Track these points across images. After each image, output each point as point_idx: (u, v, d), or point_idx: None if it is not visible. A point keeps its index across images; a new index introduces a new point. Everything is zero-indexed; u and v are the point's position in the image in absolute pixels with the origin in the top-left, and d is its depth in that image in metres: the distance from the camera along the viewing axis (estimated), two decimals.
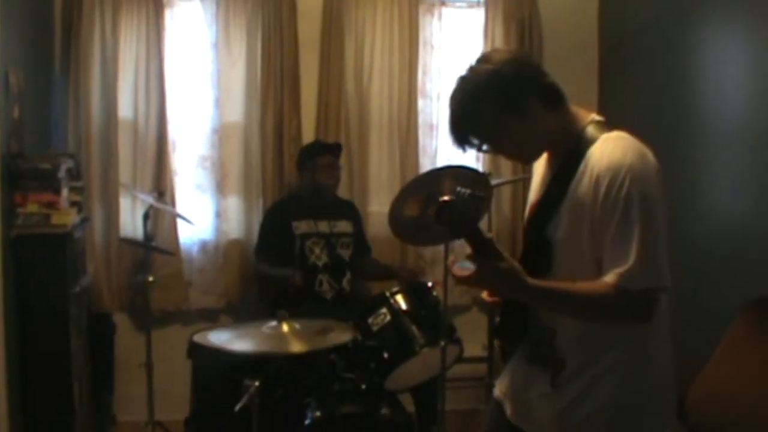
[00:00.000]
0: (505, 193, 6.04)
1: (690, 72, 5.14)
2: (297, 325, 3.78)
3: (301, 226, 5.34)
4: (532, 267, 2.38)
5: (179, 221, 5.52)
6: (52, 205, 4.38)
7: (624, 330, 2.36)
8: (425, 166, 5.93)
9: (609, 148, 2.32)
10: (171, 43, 5.63)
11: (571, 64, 5.89)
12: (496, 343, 4.25)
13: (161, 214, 5.48)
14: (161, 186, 5.45)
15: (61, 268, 4.42)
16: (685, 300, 4.59)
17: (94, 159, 5.43)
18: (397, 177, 5.86)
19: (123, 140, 5.52)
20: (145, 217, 4.83)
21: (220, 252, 5.75)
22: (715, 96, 4.90)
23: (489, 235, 2.30)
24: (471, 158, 6.04)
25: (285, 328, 3.73)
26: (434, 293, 4.57)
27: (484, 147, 2.49)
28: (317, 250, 5.32)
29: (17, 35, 4.67)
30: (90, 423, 4.95)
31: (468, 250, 2.29)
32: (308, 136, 5.79)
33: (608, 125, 2.43)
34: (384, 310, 4.40)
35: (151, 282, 4.88)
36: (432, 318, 4.38)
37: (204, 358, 4.39)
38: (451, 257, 2.36)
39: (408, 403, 4.71)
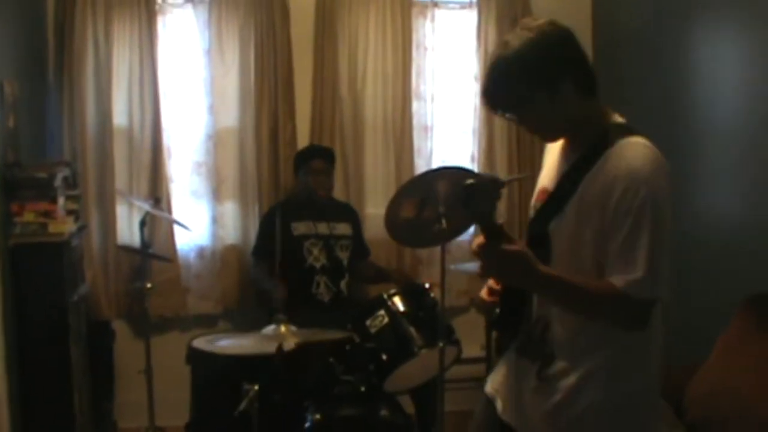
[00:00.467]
0: (502, 194, 6.03)
1: (683, 73, 5.15)
2: (294, 329, 3.81)
3: (300, 228, 5.35)
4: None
5: (176, 228, 5.53)
6: (48, 214, 4.38)
7: (616, 330, 2.37)
8: (420, 167, 5.93)
9: (629, 153, 2.30)
10: (164, 50, 5.64)
11: None
12: (494, 335, 4.24)
13: (158, 221, 5.49)
14: (157, 193, 5.45)
15: (59, 276, 4.42)
16: (682, 297, 4.61)
17: (89, 167, 5.44)
18: (393, 179, 5.87)
19: (118, 148, 5.53)
20: (142, 224, 4.83)
21: (217, 258, 5.76)
22: (708, 96, 4.91)
23: (501, 221, 2.30)
24: (466, 159, 6.08)
25: (283, 329, 3.77)
26: (432, 295, 4.57)
27: (508, 115, 2.47)
28: (315, 252, 5.32)
29: (10, 45, 4.68)
30: (91, 431, 4.95)
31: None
32: (303, 140, 5.80)
33: (630, 129, 2.41)
34: (382, 312, 4.41)
35: (148, 289, 4.87)
36: (430, 319, 4.38)
37: (203, 363, 4.39)
38: (477, 239, 2.35)
39: (407, 404, 4.71)
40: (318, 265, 5.30)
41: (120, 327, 5.61)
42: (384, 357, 4.28)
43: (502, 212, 5.98)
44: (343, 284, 5.37)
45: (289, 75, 5.77)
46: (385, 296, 4.48)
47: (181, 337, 5.45)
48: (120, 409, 5.51)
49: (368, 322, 4.40)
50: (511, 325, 2.59)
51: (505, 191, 6.03)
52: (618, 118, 2.47)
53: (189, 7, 5.69)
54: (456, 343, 4.47)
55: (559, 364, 2.43)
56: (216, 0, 5.64)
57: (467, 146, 6.16)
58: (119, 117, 5.53)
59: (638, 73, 5.64)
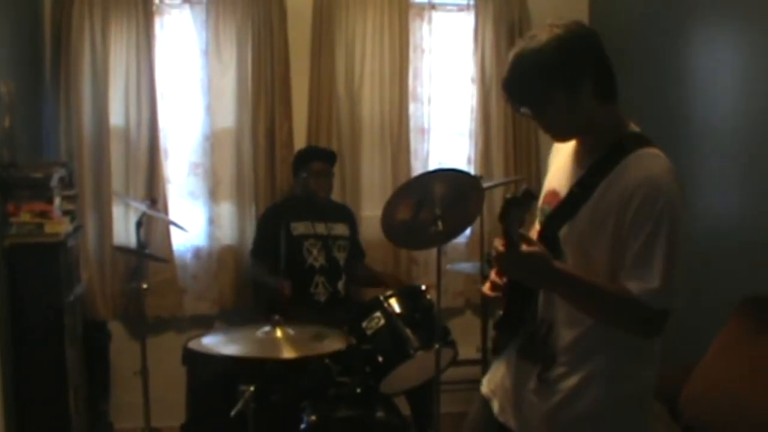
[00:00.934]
0: (497, 196, 6.04)
1: (680, 75, 5.17)
2: (291, 331, 3.79)
3: (299, 227, 5.36)
4: None
5: (172, 228, 5.53)
6: (44, 215, 4.38)
7: (618, 334, 2.37)
8: (417, 169, 5.93)
9: (647, 163, 2.31)
10: (161, 50, 5.64)
11: None
12: (490, 336, 4.26)
13: (154, 222, 5.49)
14: (154, 193, 5.46)
15: (55, 277, 4.42)
16: None
17: (86, 167, 5.44)
18: (389, 181, 5.88)
19: (115, 148, 5.53)
20: (138, 224, 4.82)
21: (214, 258, 5.75)
22: (705, 99, 4.92)
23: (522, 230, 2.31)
24: (463, 161, 6.08)
25: (279, 333, 3.75)
26: (428, 296, 4.58)
27: (523, 110, 2.45)
28: (315, 252, 5.33)
29: (7, 45, 4.68)
30: (86, 431, 4.95)
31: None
32: (300, 141, 5.80)
33: (646, 140, 2.41)
34: (378, 313, 4.41)
35: (145, 289, 4.87)
36: (426, 321, 4.39)
37: (199, 364, 4.39)
38: (498, 241, 2.35)
39: (403, 406, 4.72)
40: (317, 265, 5.30)
41: (116, 328, 5.61)
42: (380, 358, 4.28)
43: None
44: (340, 285, 5.38)
45: (286, 76, 5.77)
46: (382, 298, 4.48)
47: (177, 337, 5.44)
48: (116, 409, 5.51)
49: (364, 324, 4.40)
50: (515, 325, 2.59)
51: (498, 199, 6.04)
52: (635, 128, 2.47)
53: (186, 8, 5.69)
54: (452, 344, 4.47)
55: (561, 367, 2.43)
56: (213, 1, 5.63)
57: (464, 148, 6.17)
58: (116, 117, 5.53)
59: (635, 75, 5.64)
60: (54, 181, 4.49)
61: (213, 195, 5.74)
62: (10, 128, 4.50)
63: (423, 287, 4.68)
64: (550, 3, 6.03)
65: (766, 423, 3.52)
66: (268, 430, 3.96)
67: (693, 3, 5.06)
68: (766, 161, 4.40)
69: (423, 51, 6.08)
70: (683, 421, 3.90)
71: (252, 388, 3.70)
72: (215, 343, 3.82)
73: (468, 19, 6.12)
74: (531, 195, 2.29)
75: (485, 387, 2.79)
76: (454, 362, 4.57)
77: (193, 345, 4.32)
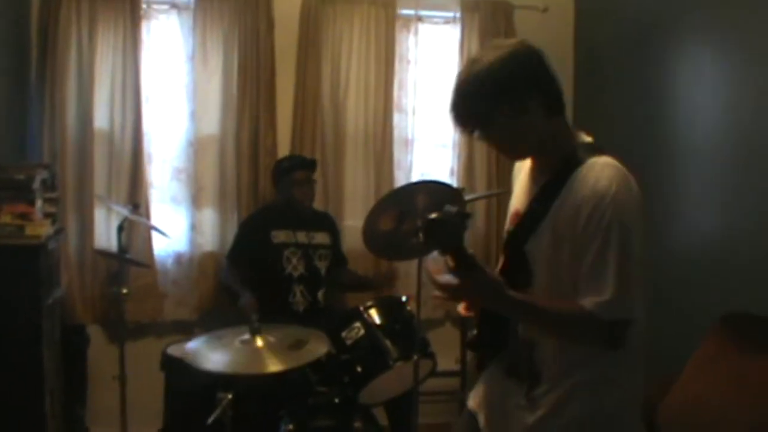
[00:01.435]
0: (479, 208, 6.07)
1: (664, 91, 5.20)
2: (271, 338, 3.78)
3: (280, 236, 5.34)
4: (514, 280, 2.41)
5: (154, 233, 5.52)
6: (26, 216, 4.36)
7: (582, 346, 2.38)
8: (400, 180, 5.95)
9: (595, 174, 2.31)
10: (147, 55, 5.63)
11: None
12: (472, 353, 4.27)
13: (136, 226, 5.47)
14: (136, 198, 5.44)
15: (35, 279, 4.39)
16: (657, 315, 4.63)
17: (69, 170, 5.42)
18: (372, 191, 5.89)
19: (98, 152, 5.51)
20: (120, 228, 4.81)
21: (195, 264, 5.74)
22: (688, 114, 4.95)
23: (471, 251, 2.31)
24: (445, 173, 6.10)
25: (259, 342, 3.73)
26: (408, 307, 4.59)
27: (475, 133, 2.46)
28: (294, 261, 5.31)
29: None
30: None
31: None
32: (284, 149, 5.80)
33: (598, 149, 2.42)
34: (358, 324, 4.41)
35: (125, 294, 4.85)
36: (406, 332, 4.39)
37: (177, 370, 4.38)
38: (435, 267, 2.36)
39: (382, 417, 4.72)
40: (296, 274, 5.29)
41: (95, 332, 5.58)
42: (359, 369, 4.28)
43: (480, 230, 6.02)
44: (319, 294, 5.36)
45: (271, 84, 5.78)
46: (362, 308, 4.48)
47: (157, 343, 5.43)
48: (92, 414, 5.48)
49: (344, 334, 4.40)
50: (489, 345, 2.60)
51: (480, 211, 6.06)
52: (585, 138, 2.48)
53: (174, 13, 5.70)
54: (431, 356, 4.47)
55: (546, 383, 2.44)
56: (201, 7, 5.64)
57: (447, 160, 6.19)
58: (100, 121, 5.52)
59: (619, 92, 5.69)
60: (36, 183, 4.48)
61: (195, 201, 5.73)
62: None
63: (404, 298, 4.68)
64: (536, 17, 6.12)
65: None
66: None
67: (676, 22, 5.09)
68: (747, 179, 4.43)
69: (408, 62, 6.11)
70: None
71: (230, 396, 3.70)
72: (195, 349, 3.79)
73: (454, 32, 6.14)
74: (461, 215, 2.29)
75: (471, 401, 2.80)
76: (433, 373, 4.57)
77: (172, 351, 4.32)
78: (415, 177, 6.04)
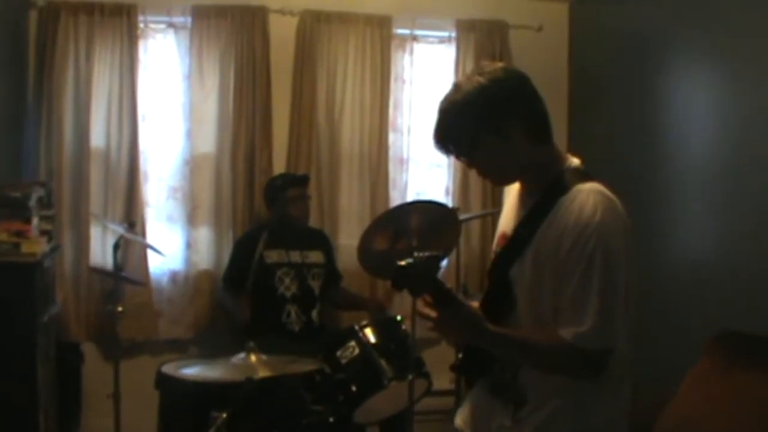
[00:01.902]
0: (474, 227, 6.08)
1: (658, 109, 5.23)
2: (265, 357, 3.79)
3: (273, 256, 5.34)
4: (496, 306, 2.41)
5: (149, 251, 5.52)
6: (22, 234, 4.36)
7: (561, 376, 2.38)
8: (395, 199, 5.96)
9: (580, 202, 2.28)
10: (144, 74, 5.66)
11: None
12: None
13: (132, 244, 5.48)
14: (132, 216, 5.45)
15: (30, 296, 4.39)
16: (651, 334, 4.65)
17: (65, 188, 5.43)
18: (368, 210, 5.90)
19: (95, 170, 5.53)
20: (116, 247, 4.82)
21: (190, 283, 5.75)
22: (680, 136, 4.99)
23: (448, 286, 2.31)
24: (441, 192, 6.11)
25: (253, 358, 3.75)
26: (403, 327, 4.59)
27: (461, 159, 2.45)
28: (287, 281, 5.31)
29: None
30: None
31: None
32: (279, 168, 5.82)
33: (585, 174, 2.40)
34: (353, 343, 4.41)
35: (120, 312, 4.85)
36: (401, 351, 4.39)
37: (172, 389, 4.37)
38: (421, 302, 2.36)
39: None
40: (288, 294, 5.29)
41: (89, 349, 5.58)
42: (354, 388, 4.28)
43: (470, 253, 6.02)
44: (314, 313, 5.36)
45: (267, 102, 5.80)
46: (357, 327, 4.48)
47: (151, 361, 5.41)
48: None
49: (339, 353, 4.40)
50: (472, 370, 2.60)
51: (475, 230, 6.08)
52: (574, 162, 2.46)
53: (170, 33, 5.72)
54: (426, 375, 4.47)
55: (530, 405, 2.44)
56: (197, 26, 5.67)
57: (442, 179, 6.21)
58: (97, 139, 5.53)
59: (614, 110, 5.71)
60: (32, 201, 4.48)
61: (191, 219, 5.74)
62: None
63: (399, 318, 4.69)
64: (531, 36, 6.14)
65: None
66: None
67: (669, 41, 5.13)
68: (740, 199, 4.46)
69: (404, 82, 6.13)
70: None
71: (224, 415, 3.69)
72: (189, 370, 3.80)
73: (449, 52, 6.18)
74: (433, 258, 2.26)
75: (458, 418, 2.79)
76: (428, 393, 4.57)
77: (166, 369, 4.31)
78: (410, 196, 6.06)
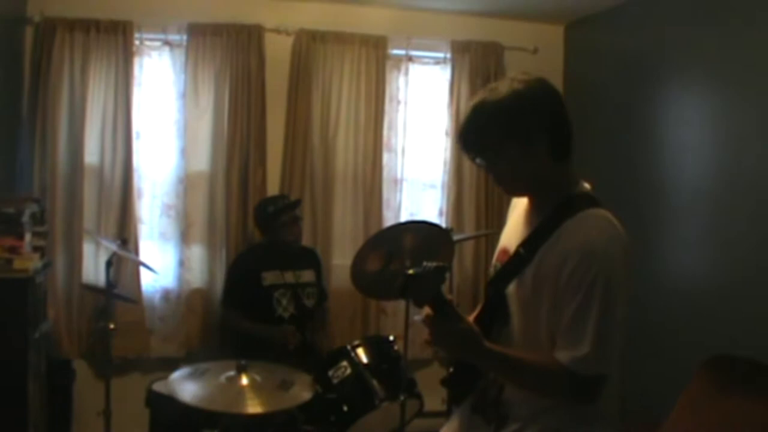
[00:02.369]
0: (468, 248, 6.08)
1: (650, 136, 5.26)
2: (257, 377, 3.75)
3: (269, 277, 5.33)
4: (491, 320, 2.40)
5: (142, 269, 5.51)
6: (14, 250, 4.35)
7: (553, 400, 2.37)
8: (389, 219, 5.97)
9: (585, 227, 2.29)
10: (139, 91, 5.66)
11: None
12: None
13: (124, 262, 5.47)
14: (125, 233, 5.44)
15: (22, 313, 4.37)
16: (644, 358, 4.65)
17: (58, 204, 5.43)
18: (361, 230, 5.91)
19: (88, 186, 5.53)
20: (108, 264, 4.81)
21: (183, 301, 5.74)
22: (672, 159, 5.01)
23: (450, 297, 2.31)
24: (434, 213, 6.12)
25: (244, 380, 3.71)
26: (395, 347, 4.59)
27: (478, 161, 2.44)
28: (284, 302, 5.30)
29: None
30: None
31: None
32: (273, 187, 5.82)
33: (594, 200, 2.39)
34: (345, 362, 4.41)
35: (112, 329, 4.84)
36: (393, 372, 4.39)
37: (163, 406, 4.37)
38: (419, 315, 2.35)
39: None
40: (287, 315, 5.28)
41: (80, 366, 5.55)
42: (345, 408, 4.28)
43: (469, 268, 6.02)
44: (308, 332, 5.36)
45: (262, 121, 5.80)
46: (349, 347, 4.49)
47: (142, 379, 5.40)
48: None
49: (331, 372, 4.40)
50: (463, 385, 2.59)
51: (468, 251, 6.08)
52: (585, 187, 2.46)
53: (166, 50, 5.72)
54: (418, 396, 4.47)
55: (514, 425, 2.42)
56: (193, 44, 5.67)
57: (436, 200, 6.22)
58: (91, 156, 5.53)
59: (605, 133, 5.73)
60: (25, 217, 4.47)
61: (184, 237, 5.73)
62: None
63: (391, 338, 4.68)
64: (526, 58, 6.16)
65: None
66: None
67: (664, 63, 5.16)
68: (731, 221, 4.48)
69: (399, 102, 6.15)
70: None
71: None
72: (180, 384, 3.76)
73: (444, 72, 6.20)
74: (439, 269, 2.27)
75: None
76: (420, 414, 4.56)
77: (157, 387, 4.30)
78: (404, 216, 6.07)
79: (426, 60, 6.24)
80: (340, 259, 5.82)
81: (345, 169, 6.00)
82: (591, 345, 2.21)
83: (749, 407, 3.74)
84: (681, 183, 4.93)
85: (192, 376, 3.81)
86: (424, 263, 2.25)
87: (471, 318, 2.44)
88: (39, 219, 4.78)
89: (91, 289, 5.34)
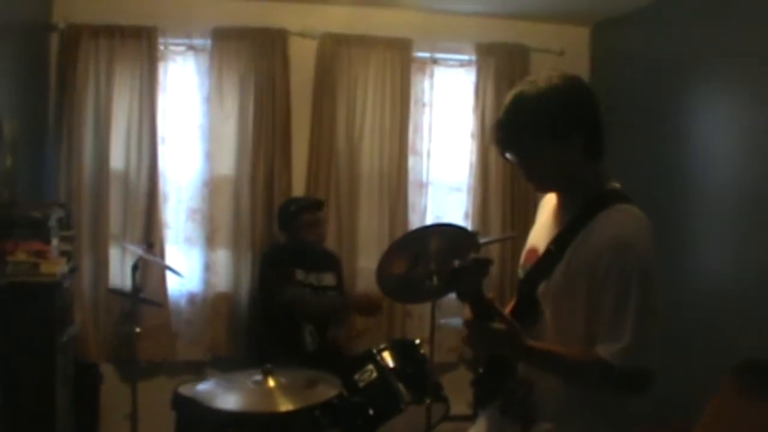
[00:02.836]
0: (494, 252, 6.06)
1: (679, 136, 5.21)
2: (283, 379, 3.74)
3: (299, 274, 5.32)
4: (522, 318, 2.39)
5: (168, 273, 5.53)
6: (41, 254, 4.37)
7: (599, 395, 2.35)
8: (414, 223, 5.95)
9: (617, 221, 2.29)
10: (164, 96, 5.68)
11: None
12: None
13: (150, 266, 5.49)
14: (151, 238, 5.45)
15: (49, 317, 4.39)
16: (672, 362, 4.60)
17: (84, 209, 5.46)
18: (386, 233, 5.90)
19: (114, 191, 5.56)
20: (134, 268, 4.82)
21: (208, 304, 5.75)
22: (703, 159, 4.97)
23: (490, 295, 2.30)
24: (460, 216, 6.10)
25: (271, 382, 3.70)
26: (421, 350, 4.57)
27: (508, 155, 2.43)
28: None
29: (13, 85, 4.71)
30: None
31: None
32: (298, 190, 5.82)
33: (624, 197, 2.39)
34: (371, 366, 4.40)
35: (138, 333, 4.86)
36: (419, 375, 4.38)
37: (189, 410, 4.37)
38: (445, 319, 2.35)
39: None
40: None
41: (107, 370, 5.58)
42: (371, 411, 4.27)
43: (496, 273, 5.99)
44: (328, 334, 5.34)
45: (287, 125, 5.81)
46: (375, 351, 4.48)
47: (169, 382, 5.42)
48: None
49: (357, 376, 4.40)
50: (493, 384, 2.58)
51: (493, 255, 6.05)
52: (614, 185, 2.44)
53: (190, 55, 5.75)
54: (444, 400, 4.46)
55: (541, 426, 2.41)
56: (217, 48, 5.69)
57: (461, 203, 6.20)
58: (116, 160, 5.56)
59: (635, 134, 5.68)
60: (52, 222, 4.49)
61: (210, 241, 5.75)
62: (12, 167, 4.51)
63: (417, 341, 4.67)
64: (552, 60, 6.13)
65: None
66: None
67: (692, 66, 5.11)
68: (762, 226, 4.43)
69: (424, 105, 6.14)
70: None
71: None
72: (207, 390, 3.76)
73: (469, 75, 6.18)
74: (484, 262, 2.27)
75: None
76: (446, 417, 4.54)
77: (183, 390, 4.30)
78: (430, 220, 6.05)
79: (451, 63, 6.22)
80: (366, 263, 5.82)
81: (370, 172, 6.00)
82: (630, 338, 2.20)
83: None
84: (711, 185, 4.89)
85: (218, 385, 3.80)
86: (471, 255, 2.25)
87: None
88: (65, 224, 4.81)
89: (118, 293, 5.36)
